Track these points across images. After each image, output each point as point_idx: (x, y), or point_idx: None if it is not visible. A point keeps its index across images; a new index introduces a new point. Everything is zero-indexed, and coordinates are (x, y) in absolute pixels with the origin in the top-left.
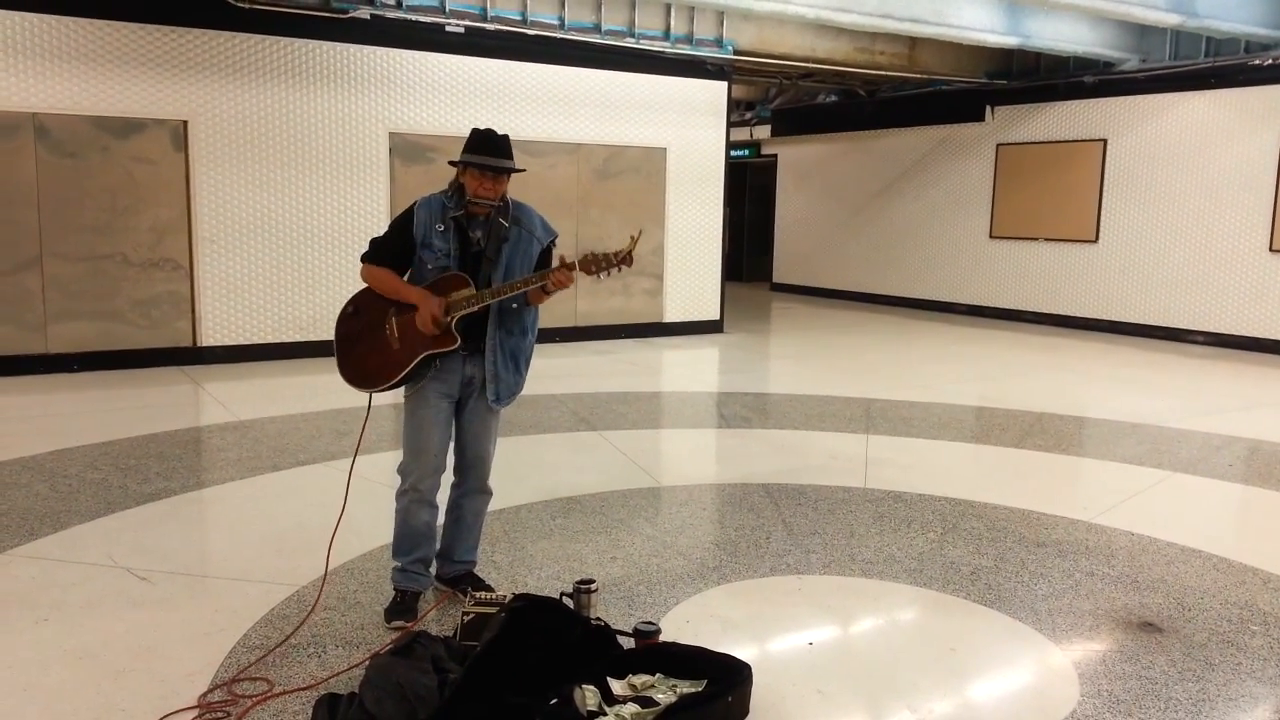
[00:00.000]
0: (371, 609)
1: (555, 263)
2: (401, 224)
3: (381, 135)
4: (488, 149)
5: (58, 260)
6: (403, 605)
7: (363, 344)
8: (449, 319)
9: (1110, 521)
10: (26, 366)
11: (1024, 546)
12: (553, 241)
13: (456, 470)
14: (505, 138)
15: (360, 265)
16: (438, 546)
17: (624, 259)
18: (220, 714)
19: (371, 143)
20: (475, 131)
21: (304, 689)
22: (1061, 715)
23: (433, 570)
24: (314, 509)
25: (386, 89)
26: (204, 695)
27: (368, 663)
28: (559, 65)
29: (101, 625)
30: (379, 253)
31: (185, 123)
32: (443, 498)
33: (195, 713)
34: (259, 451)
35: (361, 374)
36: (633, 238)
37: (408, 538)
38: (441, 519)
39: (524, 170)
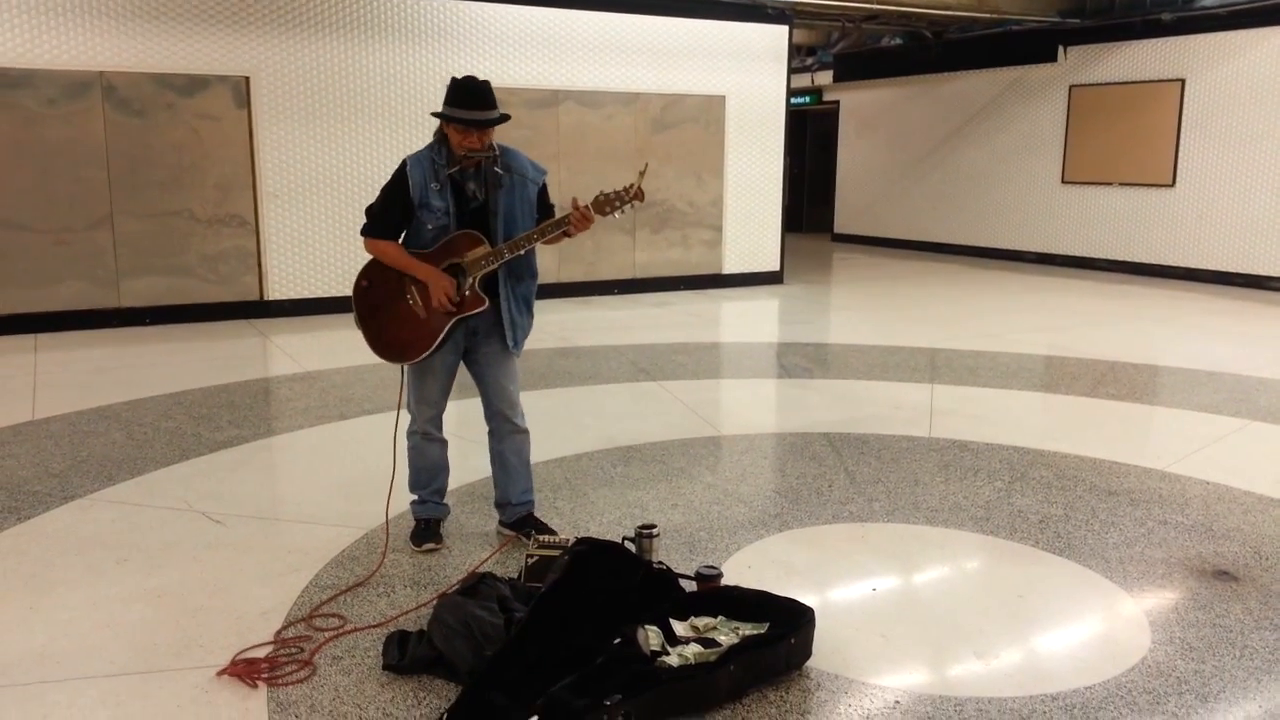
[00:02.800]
0: (438, 551)
1: (553, 201)
2: (396, 189)
3: (439, 87)
4: (466, 100)
5: (127, 217)
6: (427, 531)
7: (387, 317)
8: (467, 286)
9: (1185, 470)
10: (101, 320)
11: (1095, 495)
12: (545, 180)
13: (488, 418)
14: (486, 84)
15: (363, 240)
16: (495, 497)
17: (635, 194)
18: (295, 649)
19: (430, 95)
20: (453, 81)
21: (375, 626)
22: (1132, 662)
23: (448, 500)
24: (380, 456)
25: (444, 41)
26: (279, 631)
27: (436, 602)
28: (616, 13)
29: (179, 565)
30: (380, 225)
31: (247, 79)
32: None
33: (271, 648)
34: (326, 401)
35: (395, 348)
36: (640, 172)
37: (424, 471)
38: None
39: (508, 118)
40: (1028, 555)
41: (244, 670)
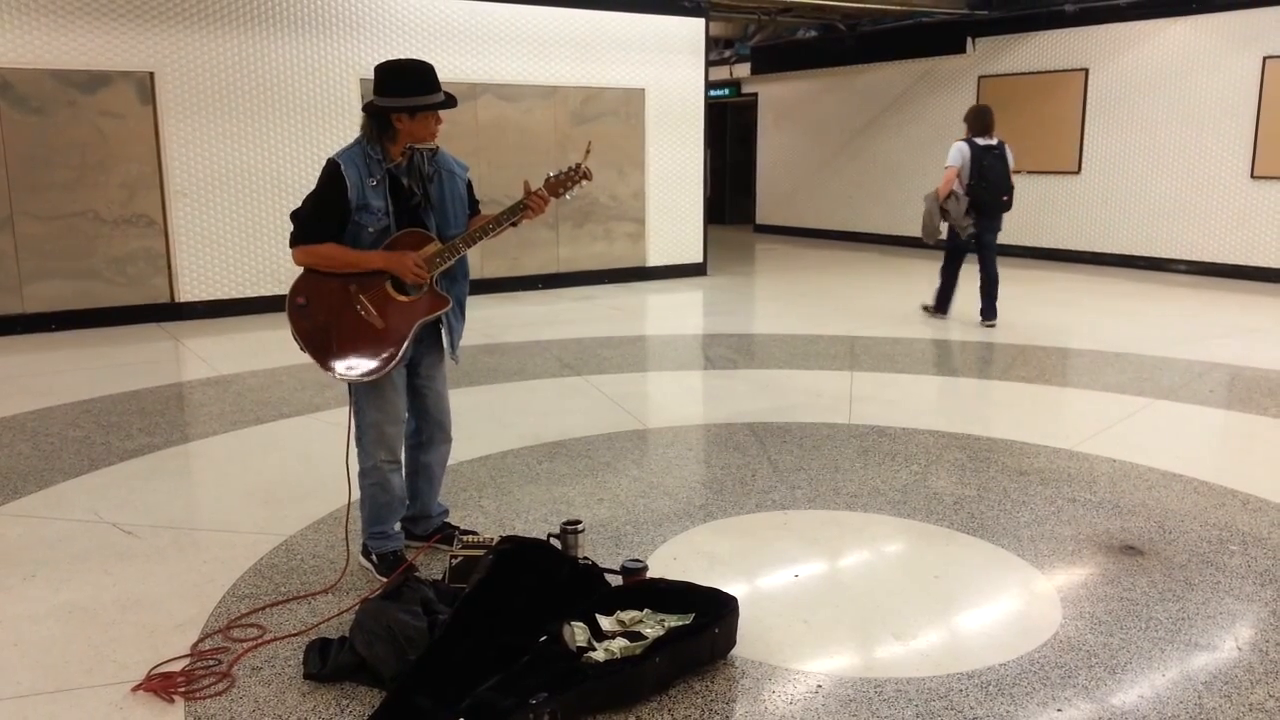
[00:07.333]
0: (360, 557)
1: (480, 195)
2: (333, 191)
3: (352, 81)
4: (422, 85)
5: (29, 219)
6: (396, 559)
7: (338, 334)
8: (427, 285)
9: (1092, 449)
10: (4, 327)
11: (1007, 475)
12: (469, 175)
13: (422, 430)
14: (428, 64)
15: (292, 250)
16: (412, 512)
17: (584, 173)
18: (212, 661)
19: (342, 89)
20: (396, 67)
21: (295, 635)
22: (1045, 638)
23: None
24: (299, 460)
25: (355, 33)
26: (196, 643)
27: (358, 607)
28: (533, 5)
29: (90, 580)
30: (315, 230)
31: (151, 74)
32: None
33: (187, 660)
34: (242, 405)
35: (354, 365)
36: (586, 151)
37: (387, 506)
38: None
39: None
40: (943, 536)
41: (160, 685)
